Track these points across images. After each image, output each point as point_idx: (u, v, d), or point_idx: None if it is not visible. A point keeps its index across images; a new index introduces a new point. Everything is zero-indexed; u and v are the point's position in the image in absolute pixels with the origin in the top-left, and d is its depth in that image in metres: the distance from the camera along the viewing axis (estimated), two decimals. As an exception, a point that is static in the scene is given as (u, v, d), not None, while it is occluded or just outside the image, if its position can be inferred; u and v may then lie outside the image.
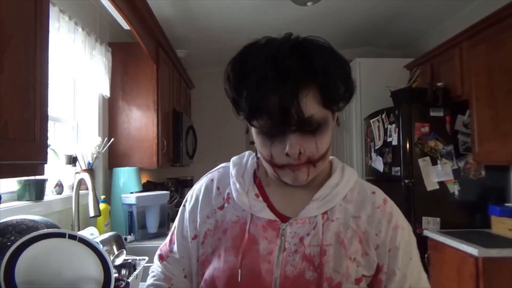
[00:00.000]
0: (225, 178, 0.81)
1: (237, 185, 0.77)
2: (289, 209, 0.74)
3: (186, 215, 0.82)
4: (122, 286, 1.33)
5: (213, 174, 0.84)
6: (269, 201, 0.76)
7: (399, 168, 2.77)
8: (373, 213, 0.74)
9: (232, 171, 0.80)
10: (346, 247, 0.70)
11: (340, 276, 0.68)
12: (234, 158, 0.83)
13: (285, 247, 0.71)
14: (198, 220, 0.79)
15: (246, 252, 0.71)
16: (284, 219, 0.73)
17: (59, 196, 1.86)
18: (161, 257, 0.86)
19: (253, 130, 0.70)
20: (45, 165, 1.03)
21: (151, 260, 0.95)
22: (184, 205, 0.85)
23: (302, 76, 0.62)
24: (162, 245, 0.88)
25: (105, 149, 2.24)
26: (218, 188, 0.80)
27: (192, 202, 0.82)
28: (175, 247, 0.83)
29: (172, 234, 0.85)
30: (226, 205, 0.78)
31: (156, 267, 0.87)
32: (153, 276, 0.85)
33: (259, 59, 0.64)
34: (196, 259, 0.79)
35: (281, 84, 0.61)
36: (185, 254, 0.81)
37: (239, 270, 0.70)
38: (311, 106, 0.63)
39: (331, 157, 0.80)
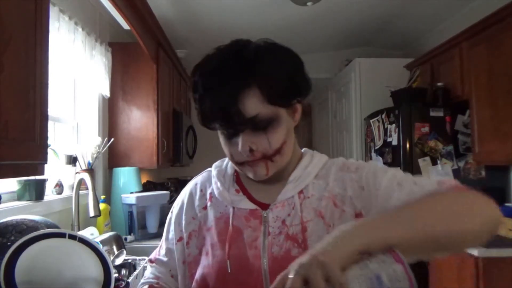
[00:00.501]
0: (208, 181, 0.86)
1: (218, 184, 0.82)
2: (268, 198, 0.78)
3: (173, 219, 0.87)
4: (122, 286, 1.33)
5: (197, 178, 0.89)
6: (249, 194, 0.80)
7: (399, 168, 2.77)
8: (337, 175, 0.78)
9: (214, 172, 0.85)
10: (324, 217, 0.74)
11: None
12: (216, 162, 0.88)
13: (269, 231, 0.74)
14: (183, 222, 0.83)
15: (232, 243, 0.74)
16: (264, 206, 0.77)
17: (59, 196, 1.86)
18: (150, 261, 0.90)
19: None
20: (45, 165, 1.03)
21: (151, 260, 0.96)
22: (172, 211, 0.89)
23: (241, 79, 0.67)
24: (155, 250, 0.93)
25: (105, 149, 2.24)
26: (201, 190, 0.85)
27: (178, 206, 0.87)
28: (162, 251, 0.88)
29: (162, 240, 0.90)
30: (209, 204, 0.82)
31: (147, 270, 0.92)
32: (143, 277, 0.89)
33: (206, 69, 0.71)
34: (182, 261, 0.82)
35: (222, 90, 0.67)
36: (171, 256, 0.85)
37: (227, 261, 0.73)
38: (254, 106, 0.67)
39: (304, 149, 0.84)
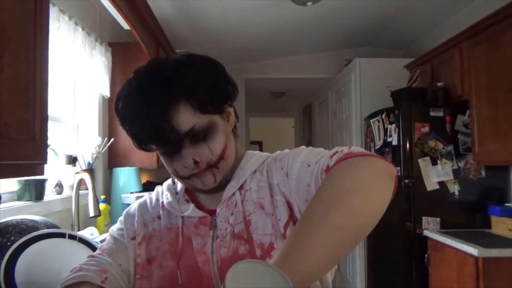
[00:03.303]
0: (162, 193, 0.85)
1: (168, 194, 0.82)
2: (216, 204, 0.77)
3: (123, 218, 0.83)
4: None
5: (152, 192, 0.88)
6: (198, 202, 0.80)
7: (399, 168, 2.77)
8: (269, 167, 0.79)
9: (164, 186, 0.86)
10: (265, 207, 0.74)
11: (269, 237, 0.71)
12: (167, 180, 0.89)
13: (217, 235, 0.74)
14: (136, 224, 0.80)
15: (182, 253, 0.73)
16: (213, 213, 0.76)
17: (59, 196, 1.86)
18: (92, 256, 0.78)
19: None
20: (45, 165, 1.03)
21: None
22: (123, 214, 0.86)
23: (167, 96, 0.66)
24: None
25: (105, 149, 2.24)
26: (157, 200, 0.84)
27: (130, 210, 0.84)
28: (110, 246, 0.79)
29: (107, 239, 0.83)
30: (161, 212, 0.80)
31: (81, 263, 0.76)
32: (79, 270, 0.72)
33: (129, 94, 0.70)
34: (133, 259, 0.77)
35: (151, 110, 0.66)
36: (122, 250, 0.77)
37: (178, 272, 0.72)
38: (188, 119, 0.67)
39: (248, 151, 0.84)
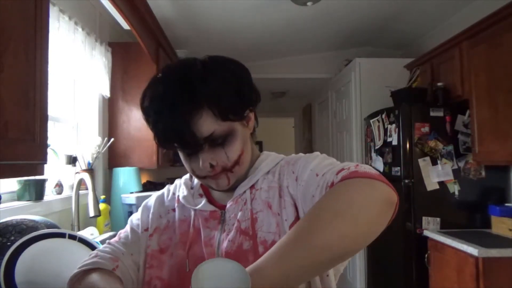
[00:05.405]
0: (179, 186, 0.90)
1: (184, 188, 0.86)
2: (228, 200, 0.80)
3: (140, 210, 0.89)
4: (122, 286, 1.32)
5: (171, 185, 0.92)
6: (211, 197, 0.84)
7: (399, 168, 2.77)
8: (281, 169, 0.81)
9: (182, 180, 0.89)
10: (272, 206, 0.76)
11: (273, 235, 0.74)
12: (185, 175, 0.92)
13: (224, 229, 0.77)
14: (151, 216, 0.85)
15: (192, 244, 0.78)
16: (223, 208, 0.80)
17: (59, 196, 1.86)
18: (108, 243, 0.85)
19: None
20: (45, 165, 1.03)
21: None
22: (141, 206, 0.90)
23: (190, 102, 0.69)
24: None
25: (105, 149, 2.24)
26: (173, 193, 0.89)
27: (148, 202, 0.90)
28: (126, 235, 0.85)
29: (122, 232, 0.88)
30: (176, 205, 0.85)
31: (98, 249, 0.84)
32: (95, 256, 0.79)
33: (154, 94, 0.73)
34: (144, 250, 0.82)
35: (173, 114, 0.69)
36: (136, 240, 0.83)
37: (186, 261, 0.76)
38: (208, 125, 0.70)
39: (264, 152, 0.87)
